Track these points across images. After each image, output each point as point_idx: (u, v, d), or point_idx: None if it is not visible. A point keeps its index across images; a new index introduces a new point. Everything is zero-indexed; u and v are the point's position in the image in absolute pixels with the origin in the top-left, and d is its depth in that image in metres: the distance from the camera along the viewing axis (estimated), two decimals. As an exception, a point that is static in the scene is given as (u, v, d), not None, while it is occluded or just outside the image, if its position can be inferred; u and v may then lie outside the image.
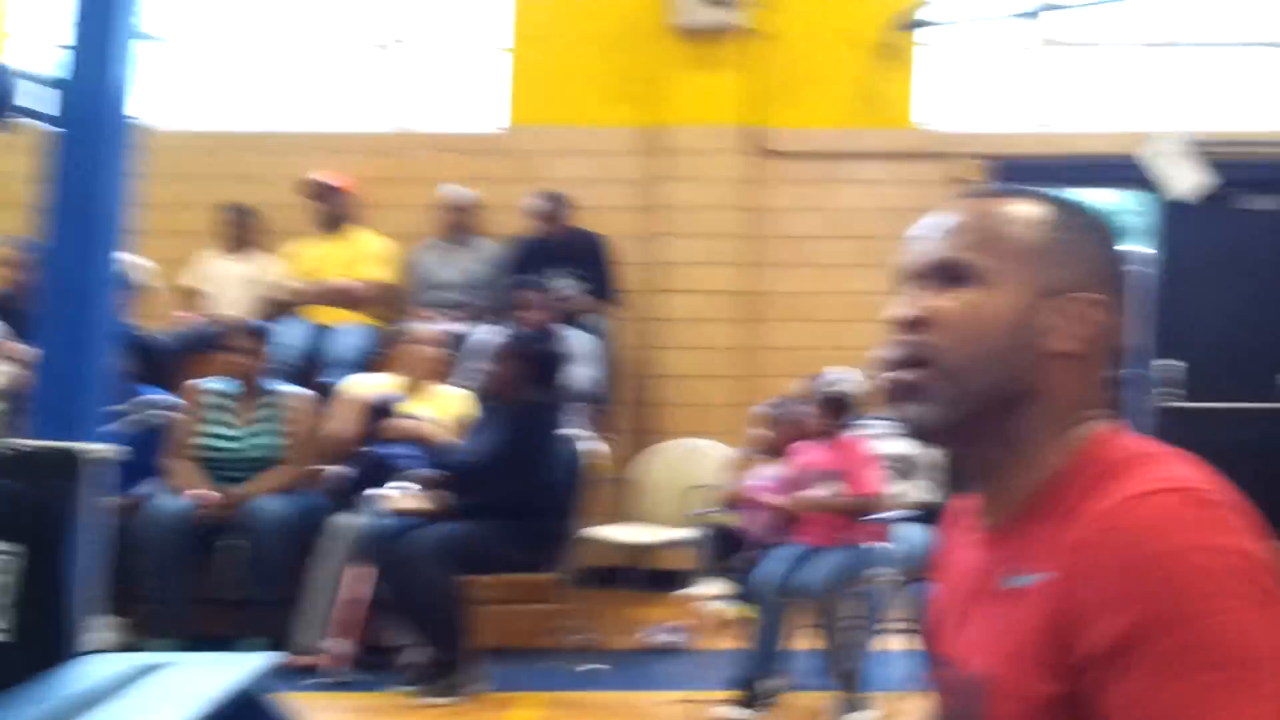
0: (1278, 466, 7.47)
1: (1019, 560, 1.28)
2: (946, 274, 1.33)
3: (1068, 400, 1.32)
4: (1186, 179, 7.16)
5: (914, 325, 1.33)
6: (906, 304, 1.35)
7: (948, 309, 1.32)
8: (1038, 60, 7.69)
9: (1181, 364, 7.58)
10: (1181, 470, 1.24)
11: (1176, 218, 7.49)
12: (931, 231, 1.37)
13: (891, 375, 1.35)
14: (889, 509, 4.75)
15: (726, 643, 5.10)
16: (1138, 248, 8.05)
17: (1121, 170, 7.51)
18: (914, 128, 7.47)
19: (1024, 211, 1.35)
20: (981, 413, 1.31)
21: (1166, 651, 1.11)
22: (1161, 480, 1.21)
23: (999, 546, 1.33)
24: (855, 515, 4.74)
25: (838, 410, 4.83)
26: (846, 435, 4.81)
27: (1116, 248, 1.40)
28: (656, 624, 5.88)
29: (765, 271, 7.50)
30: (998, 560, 1.32)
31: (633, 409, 7.39)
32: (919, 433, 1.34)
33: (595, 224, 7.21)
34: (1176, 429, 7.44)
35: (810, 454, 4.84)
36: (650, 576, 6.53)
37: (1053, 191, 1.40)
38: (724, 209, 7.41)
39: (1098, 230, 1.39)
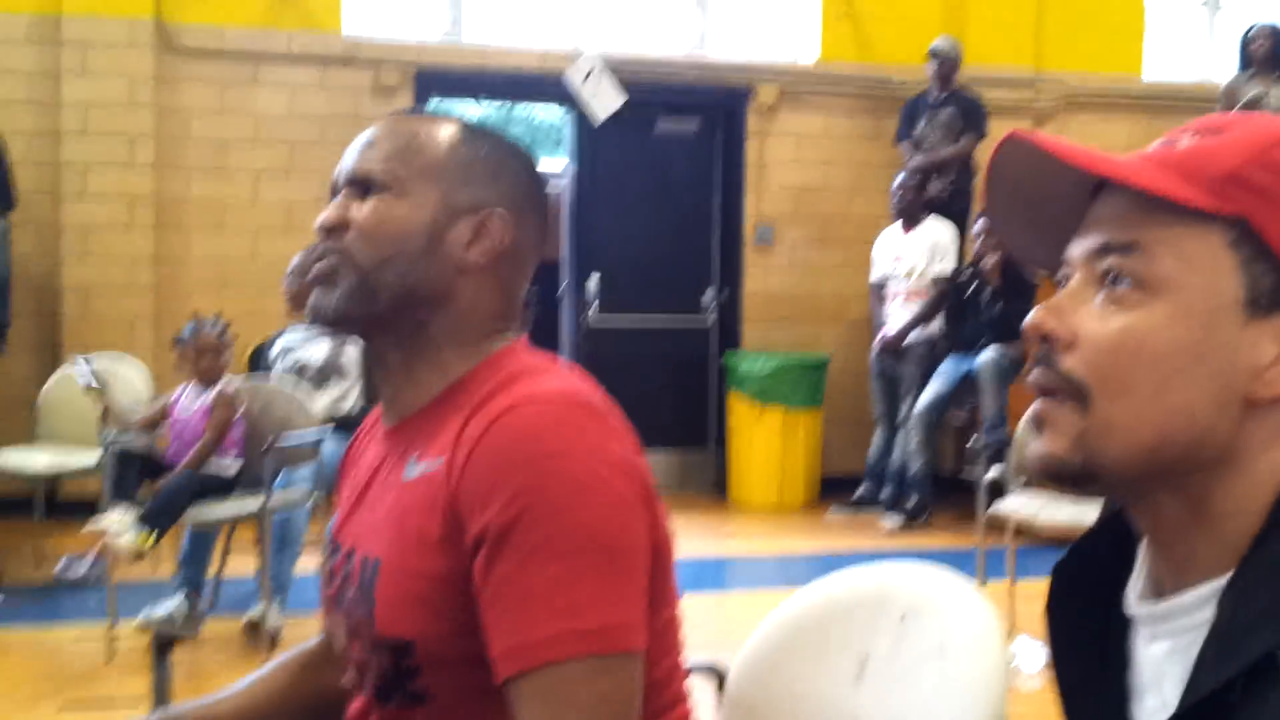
0: (694, 378, 8.22)
1: (415, 450, 1.43)
2: (362, 185, 1.47)
3: (473, 310, 1.48)
4: (604, 99, 7.65)
5: (331, 230, 1.46)
6: (330, 210, 1.48)
7: (359, 214, 1.45)
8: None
9: (599, 279, 8.16)
10: (568, 381, 1.42)
11: (594, 136, 8.01)
12: (354, 147, 1.51)
13: (310, 269, 1.48)
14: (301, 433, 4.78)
15: (136, 572, 5.07)
16: (558, 164, 8.49)
17: (543, 87, 7.95)
18: (338, 32, 7.44)
19: (440, 131, 1.50)
20: (389, 309, 1.45)
21: (537, 538, 1.27)
22: (549, 388, 1.38)
23: (400, 438, 1.49)
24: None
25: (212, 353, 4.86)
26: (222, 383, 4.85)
27: (530, 171, 1.56)
28: (68, 555, 5.71)
29: (182, 175, 7.29)
30: (396, 451, 1.48)
31: (34, 322, 7.00)
32: (324, 318, 1.47)
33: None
34: (598, 342, 8.01)
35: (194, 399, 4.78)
36: (62, 505, 6.29)
37: (472, 116, 1.61)
38: (133, 107, 7.10)
39: (511, 153, 1.54)
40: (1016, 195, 1.04)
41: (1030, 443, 0.99)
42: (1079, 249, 0.99)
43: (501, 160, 1.52)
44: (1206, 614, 0.92)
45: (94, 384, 5.01)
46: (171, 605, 4.75)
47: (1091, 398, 0.94)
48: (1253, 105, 7.37)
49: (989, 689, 1.59)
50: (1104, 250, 0.96)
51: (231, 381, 4.86)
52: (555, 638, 1.25)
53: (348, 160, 1.50)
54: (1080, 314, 0.96)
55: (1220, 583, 0.92)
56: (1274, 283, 0.92)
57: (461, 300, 1.47)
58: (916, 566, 1.77)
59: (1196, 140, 0.96)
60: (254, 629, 4.75)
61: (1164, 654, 0.97)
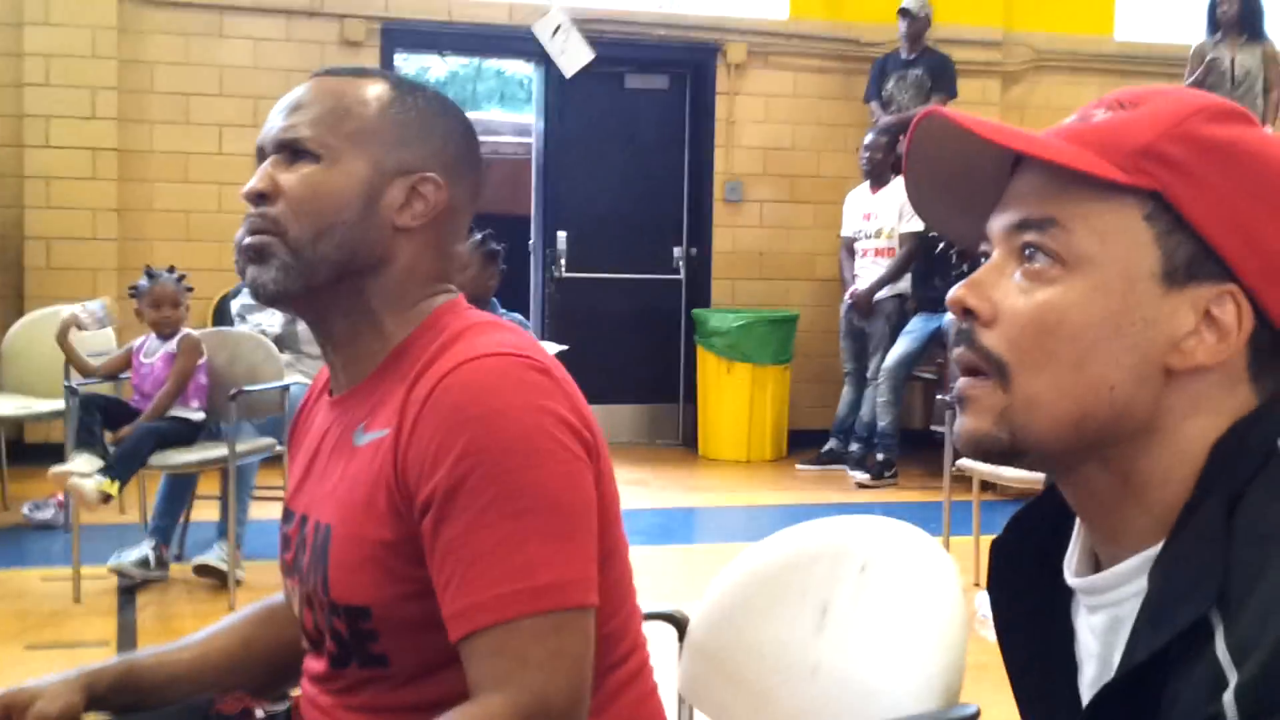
0: (664, 332, 8.25)
1: (363, 417, 1.43)
2: (290, 150, 1.43)
3: (411, 273, 1.46)
4: (572, 54, 7.62)
5: (260, 198, 1.43)
6: (258, 178, 1.44)
7: (289, 183, 1.42)
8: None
9: (568, 235, 8.10)
10: (510, 339, 1.40)
11: (567, 92, 7.97)
12: (280, 108, 1.47)
13: (243, 241, 1.45)
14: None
15: (102, 517, 5.08)
16: (525, 119, 8.45)
17: (512, 42, 7.89)
18: (306, -15, 7.38)
19: (368, 92, 1.46)
20: (326, 279, 1.42)
21: (486, 499, 1.28)
22: (491, 347, 1.37)
23: (348, 407, 1.48)
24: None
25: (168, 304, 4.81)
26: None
27: (462, 127, 1.53)
28: (32, 500, 5.76)
29: (146, 128, 7.24)
30: (344, 418, 1.47)
31: (1, 273, 6.93)
32: (263, 294, 1.44)
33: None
34: (568, 298, 8.01)
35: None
36: (26, 450, 6.29)
37: (399, 74, 1.56)
38: (96, 59, 7.02)
39: (442, 111, 1.51)
40: (937, 172, 1.04)
41: (956, 420, 1.00)
42: (998, 224, 0.99)
43: (432, 119, 1.49)
44: (1141, 584, 0.94)
45: (108, 324, 4.96)
46: (141, 552, 4.77)
47: (1012, 373, 0.95)
48: (1212, 70, 7.40)
49: (949, 638, 1.61)
50: (1022, 226, 0.97)
51: (191, 331, 4.84)
52: (506, 596, 1.27)
53: (274, 123, 1.46)
54: (1000, 289, 0.97)
55: (1150, 553, 0.94)
56: (1190, 254, 0.93)
57: (398, 264, 1.45)
58: (877, 519, 1.79)
59: (1111, 115, 0.97)
60: (208, 571, 4.77)
61: (1103, 625, 0.98)
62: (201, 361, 4.78)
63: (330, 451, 1.48)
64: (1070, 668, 1.02)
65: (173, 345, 4.72)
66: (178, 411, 4.71)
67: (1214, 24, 7.59)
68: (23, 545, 5.47)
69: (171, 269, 4.86)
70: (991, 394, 0.96)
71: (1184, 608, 0.86)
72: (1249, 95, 7.29)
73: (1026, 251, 0.96)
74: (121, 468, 4.45)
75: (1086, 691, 1.00)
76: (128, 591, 4.65)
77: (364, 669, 1.40)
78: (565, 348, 4.89)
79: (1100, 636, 0.98)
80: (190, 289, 4.89)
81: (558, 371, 1.39)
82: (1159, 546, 0.93)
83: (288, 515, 1.55)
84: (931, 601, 1.65)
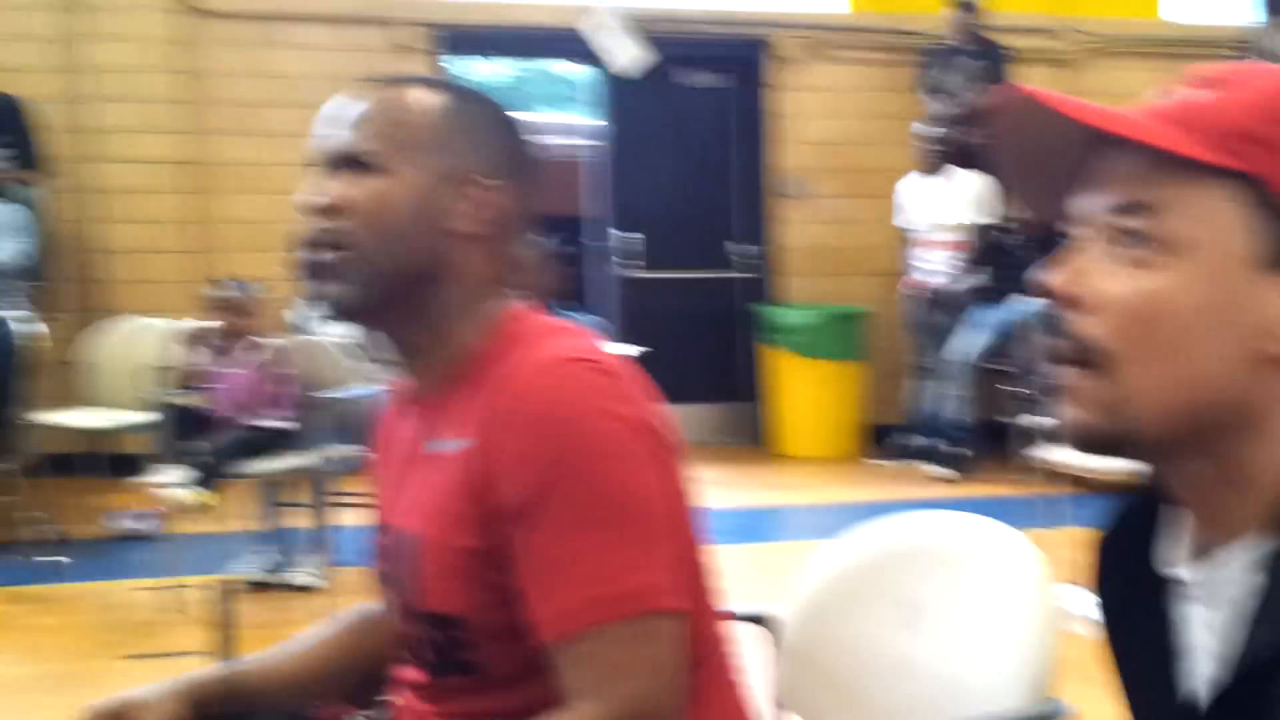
0: (727, 329, 8.23)
1: (442, 426, 1.44)
2: (350, 162, 1.44)
3: (476, 278, 1.46)
4: (627, 53, 7.63)
5: (326, 212, 1.43)
6: (317, 190, 1.45)
7: (354, 196, 1.42)
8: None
9: (638, 235, 8.15)
10: (583, 343, 1.43)
11: (620, 92, 8.00)
12: (335, 120, 1.48)
13: (308, 258, 1.45)
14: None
15: (194, 527, 5.14)
16: (588, 121, 8.48)
17: (566, 43, 7.94)
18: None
19: (423, 100, 1.47)
20: (396, 291, 1.44)
21: (569, 507, 1.30)
22: (565, 350, 1.39)
23: (425, 415, 1.49)
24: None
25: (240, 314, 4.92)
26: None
27: (515, 132, 1.53)
28: (120, 511, 5.83)
29: (210, 139, 7.35)
30: (424, 428, 1.48)
31: (76, 286, 7.14)
32: (338, 312, 1.46)
33: (11, 86, 6.70)
34: (635, 298, 8.02)
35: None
36: (111, 462, 6.35)
37: (454, 79, 1.56)
38: (157, 72, 7.16)
39: (496, 117, 1.52)
40: (1021, 148, 1.02)
41: (1058, 413, 0.97)
42: (1091, 206, 0.97)
43: (488, 124, 1.50)
44: (1246, 575, 0.93)
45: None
46: (259, 561, 4.86)
47: (1116, 363, 0.92)
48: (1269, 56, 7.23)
49: (1038, 634, 1.63)
50: (1118, 210, 0.94)
51: (272, 340, 4.91)
52: (592, 603, 1.29)
53: (332, 135, 1.46)
54: (1097, 275, 0.94)
55: (1258, 544, 0.92)
56: None
57: (460, 270, 1.45)
58: (962, 515, 1.81)
59: (1200, 94, 0.94)
60: (304, 587, 4.85)
61: (1220, 619, 0.96)
62: (291, 371, 4.84)
63: (412, 461, 1.49)
64: (1168, 658, 1.01)
65: (256, 354, 4.79)
66: (267, 421, 4.78)
67: (1273, 6, 7.34)
68: (120, 557, 5.53)
69: (246, 280, 4.94)
70: (1096, 385, 0.93)
71: None
72: None
73: (1125, 236, 0.93)
74: (215, 477, 4.53)
75: (1199, 686, 0.99)
76: (228, 601, 4.71)
77: (457, 677, 1.42)
78: (646, 349, 4.89)
79: (1218, 633, 0.96)
80: (264, 298, 4.97)
81: (628, 372, 1.41)
82: (1275, 540, 0.92)
83: (379, 528, 1.57)
84: (1020, 596, 1.67)
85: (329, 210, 1.43)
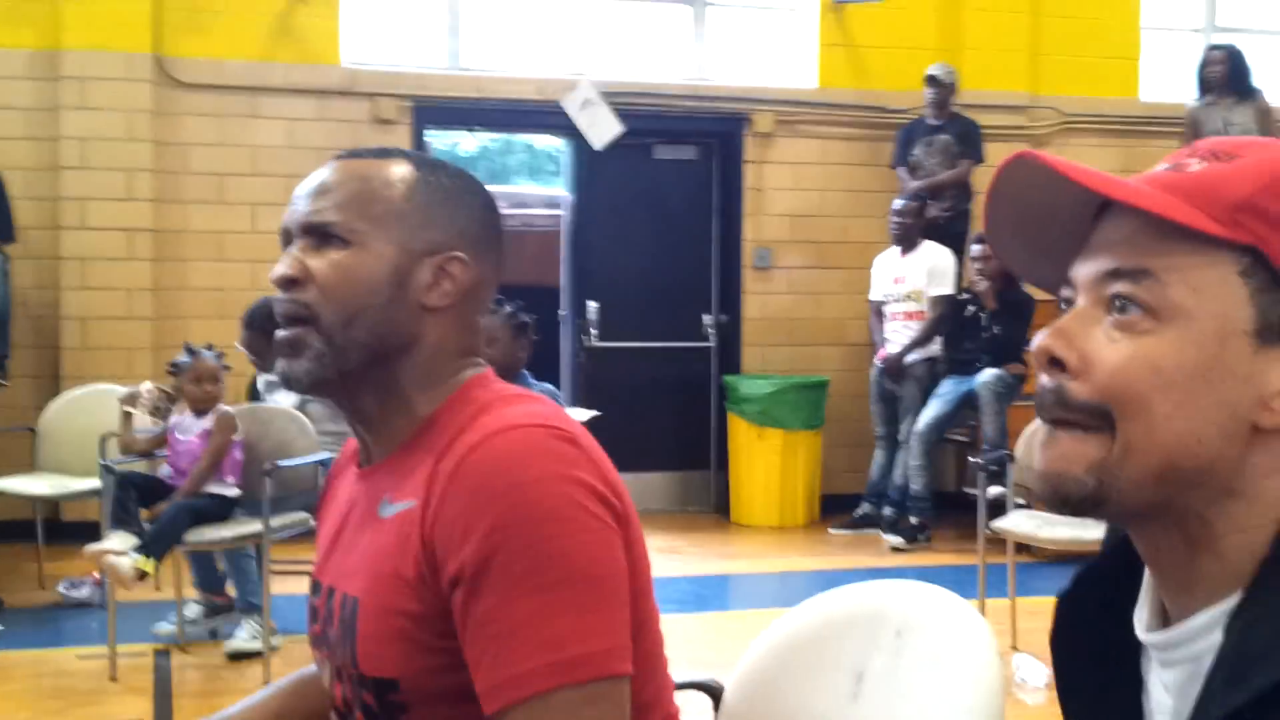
0: (694, 401, 8.28)
1: (393, 491, 1.43)
2: (319, 235, 1.43)
3: (441, 351, 1.47)
4: (601, 127, 7.69)
5: (291, 284, 1.43)
6: (284, 263, 1.44)
7: (320, 269, 1.42)
8: (460, 2, 7.89)
9: (600, 304, 8.16)
10: (537, 409, 1.41)
11: (594, 164, 8.05)
12: (305, 190, 1.47)
13: (279, 333, 1.45)
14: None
15: (136, 594, 5.07)
16: (556, 192, 8.53)
17: (541, 116, 7.97)
18: (337, 64, 7.49)
19: (393, 173, 1.47)
20: (358, 365, 1.43)
21: (516, 572, 1.28)
22: (518, 418, 1.37)
23: (375, 480, 1.48)
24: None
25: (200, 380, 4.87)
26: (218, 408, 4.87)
27: (485, 203, 1.54)
28: (68, 579, 5.81)
29: (182, 209, 7.35)
30: (375, 492, 1.47)
31: (35, 353, 7.08)
32: (298, 386, 1.45)
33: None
34: (600, 367, 8.04)
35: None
36: (63, 529, 6.36)
37: (423, 154, 1.57)
38: (131, 141, 7.20)
39: (467, 190, 1.52)
40: (1019, 213, 1.02)
41: (1037, 461, 0.98)
42: (1086, 271, 0.97)
43: (456, 196, 1.49)
44: (1213, 639, 0.92)
45: (158, 408, 5.02)
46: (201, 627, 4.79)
47: (1115, 421, 0.93)
48: (1200, 133, 7.41)
49: (986, 704, 1.59)
50: (1113, 275, 0.94)
51: (228, 408, 4.87)
52: (538, 670, 1.26)
53: (299, 206, 1.46)
54: (1090, 339, 0.95)
55: (1226, 607, 0.92)
56: None
57: (427, 343, 1.46)
58: (910, 584, 1.78)
59: (1207, 165, 0.95)
60: (241, 655, 4.80)
61: (1178, 681, 0.96)
62: (237, 438, 4.81)
63: (357, 524, 1.48)
64: (1138, 718, 1.01)
65: (208, 422, 4.76)
66: (213, 488, 4.74)
67: (1204, 86, 7.60)
68: (59, 624, 5.50)
69: (210, 346, 4.91)
70: (1081, 445, 0.94)
71: (1264, 667, 0.85)
72: None
73: (1117, 303, 0.94)
74: (157, 545, 4.48)
75: None
76: (165, 668, 4.67)
77: None
78: (597, 414, 4.88)
79: (1175, 692, 0.96)
80: (228, 366, 4.94)
81: (585, 440, 1.39)
82: (1235, 600, 0.92)
83: (315, 587, 1.55)
84: (968, 666, 1.63)
85: (295, 282, 1.42)
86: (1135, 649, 1.02)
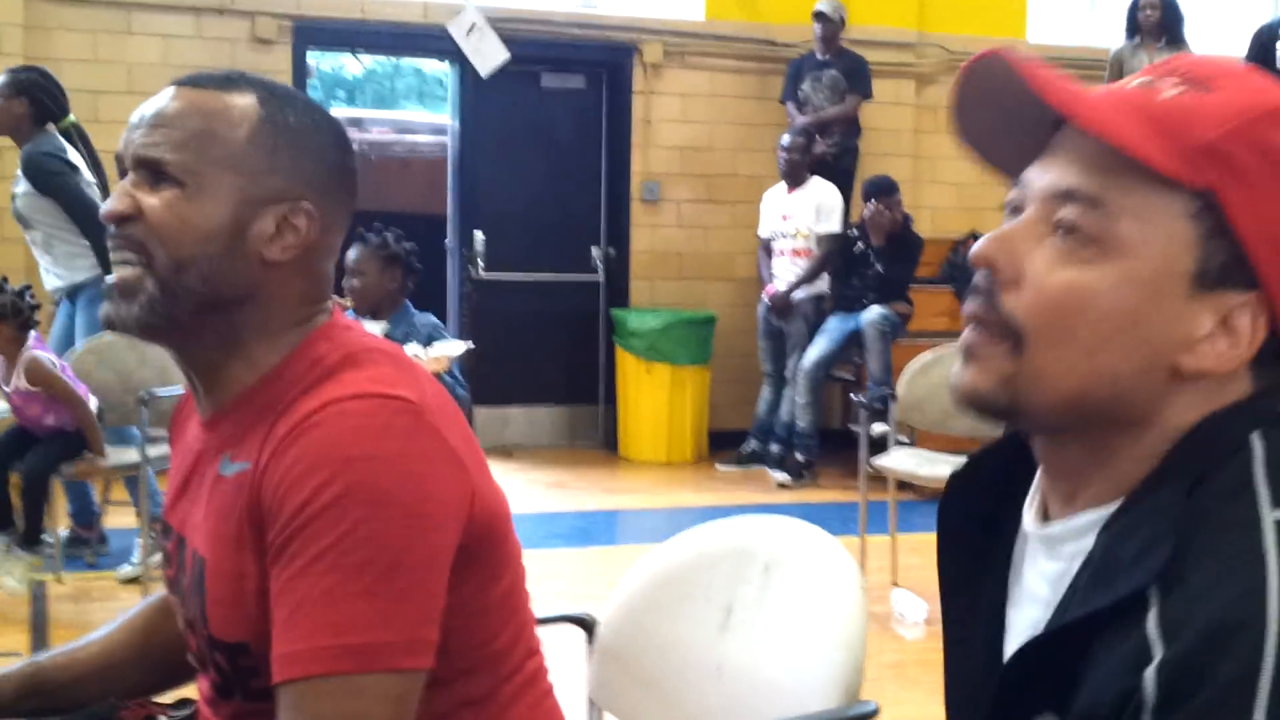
0: (582, 335, 8.28)
1: (232, 448, 1.38)
2: (153, 169, 1.35)
3: (283, 303, 1.39)
4: (487, 54, 7.62)
5: (123, 220, 1.35)
6: (119, 197, 1.36)
7: (154, 209, 1.34)
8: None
9: (486, 235, 8.11)
10: (384, 374, 1.34)
11: (480, 91, 7.99)
12: (141, 119, 1.38)
13: (114, 273, 1.38)
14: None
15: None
16: (443, 119, 8.43)
17: (427, 40, 7.87)
18: (217, -19, 7.33)
19: (236, 111, 1.37)
20: (190, 314, 1.36)
21: (322, 546, 1.24)
22: (360, 385, 1.31)
23: (216, 433, 1.42)
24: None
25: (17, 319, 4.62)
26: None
27: (338, 142, 1.45)
28: None
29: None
30: (214, 447, 1.42)
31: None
32: (125, 329, 1.38)
33: None
34: (487, 299, 8.01)
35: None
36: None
37: (279, 85, 1.44)
38: (1, 56, 6.89)
39: (316, 128, 1.42)
40: (984, 99, 1.03)
41: (955, 370, 1.00)
42: (1040, 182, 0.98)
43: (305, 137, 1.40)
44: (1086, 538, 0.97)
45: None
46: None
47: (1027, 343, 0.95)
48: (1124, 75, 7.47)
49: (849, 636, 1.66)
50: (1066, 196, 0.95)
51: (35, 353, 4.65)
52: (314, 651, 1.23)
53: (135, 137, 1.37)
54: (1030, 254, 0.95)
55: (1105, 513, 0.96)
56: (1224, 260, 0.93)
57: (268, 295, 1.38)
58: (779, 519, 1.84)
59: (1182, 91, 0.95)
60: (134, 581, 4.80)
61: (1055, 573, 1.00)
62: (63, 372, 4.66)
63: (201, 475, 1.44)
64: (1002, 598, 1.06)
65: (21, 379, 4.59)
66: (50, 421, 4.65)
67: (1134, 28, 7.63)
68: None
69: (5, 280, 4.68)
70: (1001, 358, 0.96)
71: (1127, 576, 0.89)
72: None
73: (1064, 224, 0.94)
74: (34, 535, 4.46)
75: (1023, 632, 1.02)
76: (40, 599, 4.63)
77: (247, 703, 1.38)
78: (470, 346, 4.84)
79: (1051, 583, 1.00)
80: (35, 304, 4.71)
81: (430, 404, 1.34)
82: (1112, 509, 0.96)
83: (165, 529, 1.52)
84: (832, 600, 1.69)
85: (125, 218, 1.35)
86: (1012, 535, 1.06)
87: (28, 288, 4.73)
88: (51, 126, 5.24)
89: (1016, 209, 0.99)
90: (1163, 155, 0.92)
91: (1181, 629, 0.84)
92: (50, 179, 5.07)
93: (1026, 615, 1.03)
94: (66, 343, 5.12)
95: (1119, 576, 0.89)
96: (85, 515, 5.19)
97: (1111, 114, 0.94)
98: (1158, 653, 0.84)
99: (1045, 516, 1.03)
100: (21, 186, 5.15)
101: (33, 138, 5.17)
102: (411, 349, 4.14)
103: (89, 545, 5.15)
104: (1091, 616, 0.90)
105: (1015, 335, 0.95)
